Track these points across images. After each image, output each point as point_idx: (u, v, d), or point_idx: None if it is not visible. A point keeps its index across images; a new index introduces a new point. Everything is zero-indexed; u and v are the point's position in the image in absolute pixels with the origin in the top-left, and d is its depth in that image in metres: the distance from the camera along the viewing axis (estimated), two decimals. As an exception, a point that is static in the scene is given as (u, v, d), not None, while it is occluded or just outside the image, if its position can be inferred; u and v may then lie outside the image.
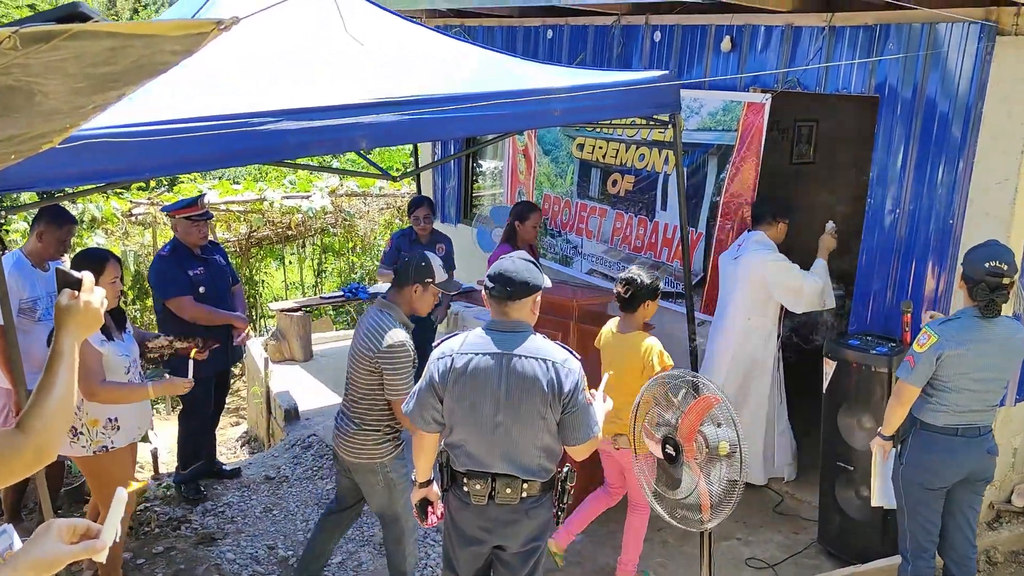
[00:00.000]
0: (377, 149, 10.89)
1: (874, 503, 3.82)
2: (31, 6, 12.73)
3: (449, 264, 5.83)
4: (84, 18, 1.03)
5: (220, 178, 12.00)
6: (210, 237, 5.15)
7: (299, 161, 3.45)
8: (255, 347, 7.50)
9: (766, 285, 4.73)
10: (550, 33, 6.41)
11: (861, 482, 4.22)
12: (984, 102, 3.94)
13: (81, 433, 3.71)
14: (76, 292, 1.69)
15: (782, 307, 4.84)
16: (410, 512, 3.49)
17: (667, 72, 4.08)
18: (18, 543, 1.70)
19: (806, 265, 4.76)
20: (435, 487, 3.17)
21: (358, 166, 12.06)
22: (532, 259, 3.02)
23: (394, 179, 4.30)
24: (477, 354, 2.88)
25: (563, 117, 3.82)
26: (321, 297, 9.15)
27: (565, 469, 3.02)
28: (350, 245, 10.60)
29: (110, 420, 3.76)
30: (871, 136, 4.50)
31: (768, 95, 4.87)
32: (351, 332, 8.86)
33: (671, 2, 5.14)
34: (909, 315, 4.15)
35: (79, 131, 2.15)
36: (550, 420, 2.85)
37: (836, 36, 4.54)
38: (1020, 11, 3.80)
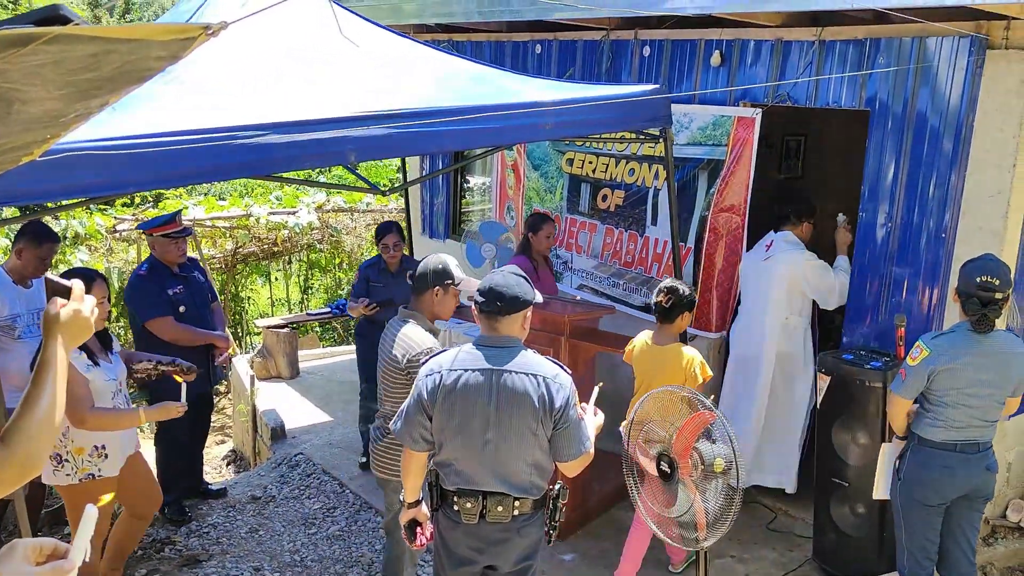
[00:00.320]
0: (364, 164, 10.86)
1: (875, 496, 3.82)
2: (5, 6, 12.41)
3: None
4: (65, 21, 0.98)
5: (206, 194, 11.93)
6: (189, 253, 5.07)
7: (286, 176, 3.40)
8: (241, 364, 7.41)
9: (801, 284, 4.77)
10: (539, 48, 6.40)
11: (856, 498, 4.18)
12: (975, 115, 3.94)
13: (66, 460, 3.58)
14: (65, 300, 1.66)
15: (815, 304, 4.87)
16: None
17: (657, 87, 4.07)
18: None
19: None
20: (424, 507, 3.10)
21: (345, 181, 12.02)
22: (524, 274, 2.97)
23: (383, 193, 4.25)
24: (467, 370, 2.82)
25: (555, 131, 3.80)
26: (308, 314, 9.09)
27: (557, 486, 2.96)
28: (337, 261, 10.54)
29: (96, 448, 3.62)
30: (862, 150, 4.49)
31: (758, 110, 4.86)
32: (338, 349, 8.84)
33: (660, 16, 5.13)
34: (903, 329, 4.14)
35: (61, 143, 2.10)
36: (541, 436, 2.80)
37: (826, 50, 4.54)
38: (1010, 24, 3.82)
